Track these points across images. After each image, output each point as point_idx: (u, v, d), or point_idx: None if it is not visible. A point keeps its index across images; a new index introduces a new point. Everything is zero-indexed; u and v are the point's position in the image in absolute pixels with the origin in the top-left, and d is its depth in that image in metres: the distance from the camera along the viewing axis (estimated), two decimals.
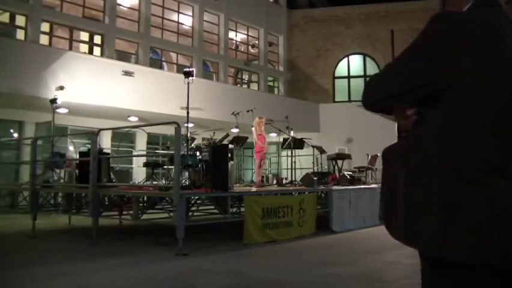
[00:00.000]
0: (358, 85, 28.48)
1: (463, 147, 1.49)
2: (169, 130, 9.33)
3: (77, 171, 9.99)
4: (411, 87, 1.58)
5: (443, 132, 1.53)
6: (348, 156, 14.99)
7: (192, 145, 10.62)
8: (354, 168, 15.58)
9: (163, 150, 15.34)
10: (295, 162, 13.19)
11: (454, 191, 1.47)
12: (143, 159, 15.45)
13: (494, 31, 1.56)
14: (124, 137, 18.17)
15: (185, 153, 9.42)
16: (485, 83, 1.50)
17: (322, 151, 14.44)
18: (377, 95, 1.69)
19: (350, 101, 27.87)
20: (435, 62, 1.54)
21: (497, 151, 1.47)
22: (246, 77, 28.37)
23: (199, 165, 9.12)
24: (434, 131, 1.55)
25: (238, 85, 27.30)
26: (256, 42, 27.61)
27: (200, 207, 10.34)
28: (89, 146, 9.90)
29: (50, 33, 19.18)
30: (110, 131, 17.78)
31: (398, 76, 1.63)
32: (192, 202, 9.91)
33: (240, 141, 12.24)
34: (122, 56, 20.49)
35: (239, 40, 27.23)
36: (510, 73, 1.52)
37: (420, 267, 1.63)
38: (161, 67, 22.99)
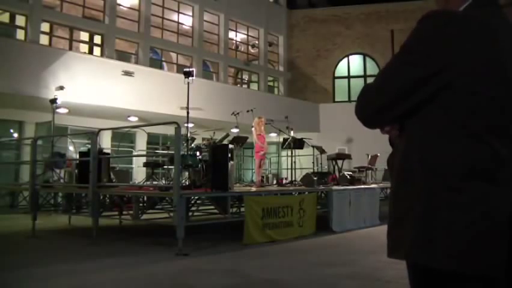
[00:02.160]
0: (358, 85, 28.42)
1: (445, 153, 1.47)
2: (169, 130, 9.34)
3: (77, 171, 10.00)
4: (401, 96, 1.53)
5: (426, 139, 1.51)
6: (348, 156, 14.98)
7: (192, 145, 10.62)
8: (354, 168, 15.58)
9: (163, 150, 15.37)
10: (295, 162, 13.18)
11: (435, 197, 1.46)
12: (143, 159, 15.46)
13: (488, 32, 1.51)
14: (124, 137, 18.17)
15: (185, 153, 9.43)
16: (475, 86, 1.46)
17: (322, 151, 14.43)
18: (368, 110, 1.63)
19: (350, 101, 27.81)
20: (424, 66, 1.49)
21: (485, 155, 1.45)
22: (246, 77, 28.37)
23: (199, 165, 9.13)
24: (416, 139, 1.53)
25: (238, 85, 27.29)
26: (256, 42, 27.59)
27: (200, 207, 10.35)
28: (89, 146, 9.93)
29: (50, 33, 19.17)
30: (110, 131, 17.79)
31: (387, 87, 1.57)
32: (192, 202, 9.92)
33: (240, 141, 12.23)
34: (122, 56, 20.49)
35: (239, 40, 27.22)
36: (502, 76, 1.49)
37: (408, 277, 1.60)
38: (161, 67, 22.99)
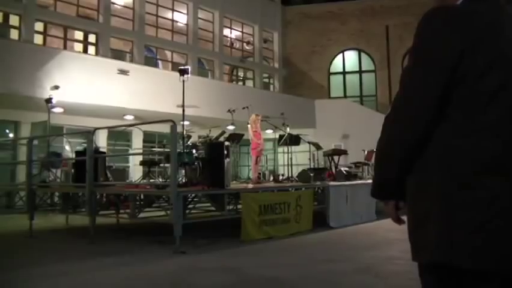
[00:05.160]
0: (353, 81, 28.54)
1: (458, 150, 1.48)
2: (165, 128, 9.32)
3: (73, 170, 9.98)
4: (436, 103, 1.52)
5: (441, 137, 1.52)
6: (345, 152, 15.01)
7: (188, 143, 10.60)
8: (351, 163, 15.59)
9: (159, 148, 15.33)
10: (291, 158, 13.20)
11: (451, 196, 1.46)
12: (140, 158, 15.42)
13: (491, 25, 1.53)
14: (120, 135, 18.15)
15: (182, 151, 9.42)
16: (484, 78, 1.48)
17: (318, 147, 14.44)
18: (395, 155, 1.62)
19: (345, 96, 27.87)
20: (446, 65, 1.50)
21: (500, 151, 1.45)
22: (241, 74, 28.36)
23: (196, 163, 9.13)
24: (432, 138, 1.54)
25: (234, 82, 27.28)
26: (251, 39, 27.59)
27: (197, 205, 10.35)
28: (85, 145, 9.91)
29: (44, 33, 19.09)
30: (106, 130, 17.72)
31: (424, 98, 1.54)
32: (189, 200, 9.93)
33: (236, 138, 12.23)
34: (117, 55, 20.44)
35: (234, 37, 27.21)
36: (507, 68, 1.50)
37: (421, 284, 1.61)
38: (156, 65, 22.94)
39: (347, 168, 13.34)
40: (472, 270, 1.43)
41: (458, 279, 1.47)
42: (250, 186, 10.43)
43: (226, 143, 8.61)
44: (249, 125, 12.12)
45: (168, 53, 23.97)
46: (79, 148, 13.56)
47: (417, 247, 1.57)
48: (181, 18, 23.93)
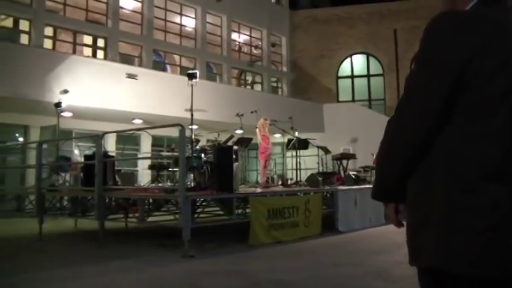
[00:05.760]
0: (362, 84, 28.50)
1: (461, 155, 1.46)
2: (174, 132, 9.35)
3: (82, 174, 10.02)
4: (441, 105, 1.50)
5: (444, 142, 1.50)
6: (353, 156, 14.97)
7: (197, 147, 10.62)
8: (359, 168, 15.55)
9: (167, 152, 15.36)
10: (300, 162, 13.18)
11: (452, 200, 1.45)
12: (148, 162, 15.46)
13: (499, 30, 1.51)
14: (128, 139, 18.20)
15: (190, 155, 9.44)
16: (491, 84, 1.46)
17: (327, 151, 14.42)
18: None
19: (353, 100, 27.85)
20: (452, 70, 1.48)
21: (498, 155, 1.44)
22: (249, 78, 28.40)
23: (204, 167, 9.13)
24: (436, 143, 1.52)
25: (242, 86, 27.33)
26: (259, 43, 27.63)
27: (205, 209, 10.35)
28: (94, 149, 9.95)
29: (54, 37, 19.25)
30: (114, 134, 17.77)
31: (427, 100, 1.52)
32: (197, 204, 9.92)
33: (245, 142, 12.23)
34: (126, 59, 20.53)
35: (242, 41, 27.27)
36: None
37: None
38: (164, 69, 23.03)
39: (355, 172, 13.31)
40: (471, 276, 1.41)
41: (456, 283, 1.45)
42: (259, 190, 10.41)
43: (235, 147, 8.61)
44: (257, 129, 12.11)
45: (176, 57, 24.06)
46: (88, 152, 13.62)
47: (415, 250, 1.56)
48: (189, 22, 24.02)
